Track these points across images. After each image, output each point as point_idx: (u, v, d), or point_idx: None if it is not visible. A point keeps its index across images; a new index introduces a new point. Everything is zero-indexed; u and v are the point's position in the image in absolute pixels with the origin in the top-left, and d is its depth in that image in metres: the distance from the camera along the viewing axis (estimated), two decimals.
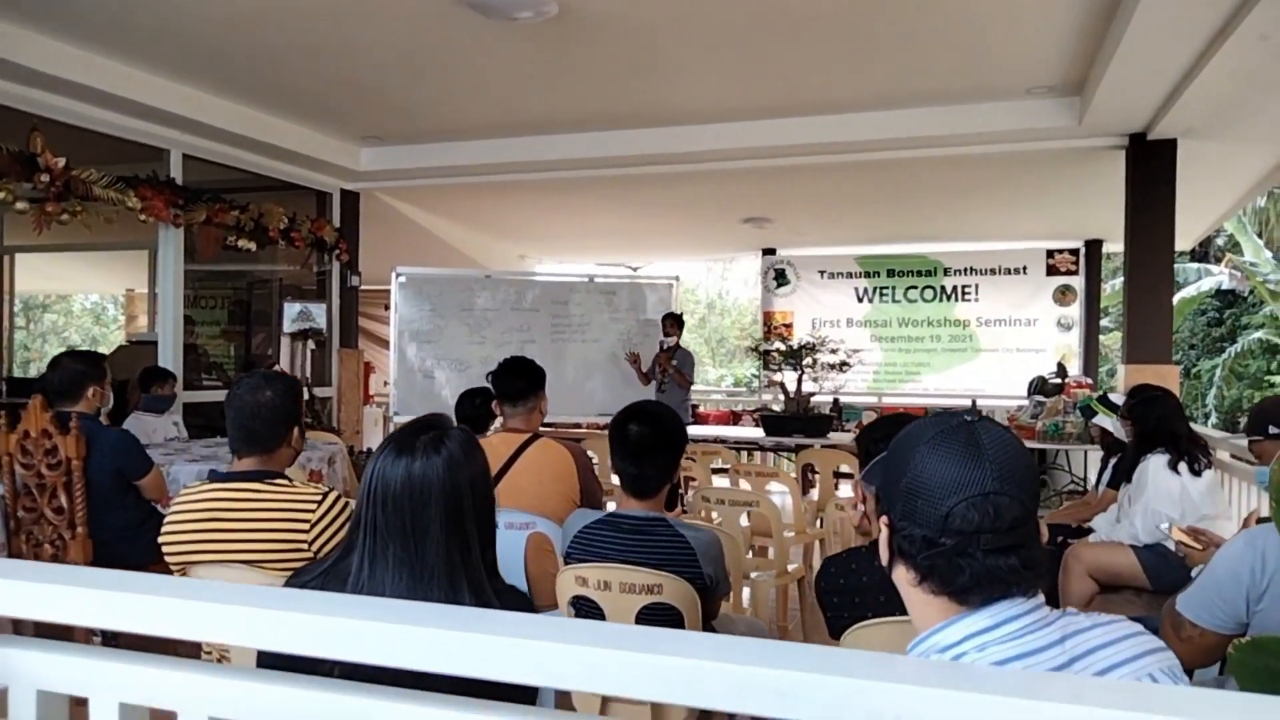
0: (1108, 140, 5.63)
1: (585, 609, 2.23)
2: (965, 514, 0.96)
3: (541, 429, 3.30)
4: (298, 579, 1.41)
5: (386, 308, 8.45)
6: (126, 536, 3.41)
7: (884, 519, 1.07)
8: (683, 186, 7.35)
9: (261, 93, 5.62)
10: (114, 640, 2.47)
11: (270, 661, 1.25)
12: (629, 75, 5.19)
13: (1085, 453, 6.76)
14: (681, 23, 4.36)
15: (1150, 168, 5.48)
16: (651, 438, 2.25)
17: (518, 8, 4.07)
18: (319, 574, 1.36)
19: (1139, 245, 5.55)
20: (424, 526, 1.31)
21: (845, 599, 1.88)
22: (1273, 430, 2.42)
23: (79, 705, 1.10)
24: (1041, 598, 1.01)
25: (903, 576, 1.05)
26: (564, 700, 1.57)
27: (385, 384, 9.69)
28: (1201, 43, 4.04)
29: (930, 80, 5.19)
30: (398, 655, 0.99)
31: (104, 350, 7.87)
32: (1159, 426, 3.46)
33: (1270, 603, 1.76)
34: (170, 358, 5.86)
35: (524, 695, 1.17)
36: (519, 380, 3.12)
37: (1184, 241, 9.24)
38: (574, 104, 5.76)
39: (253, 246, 6.29)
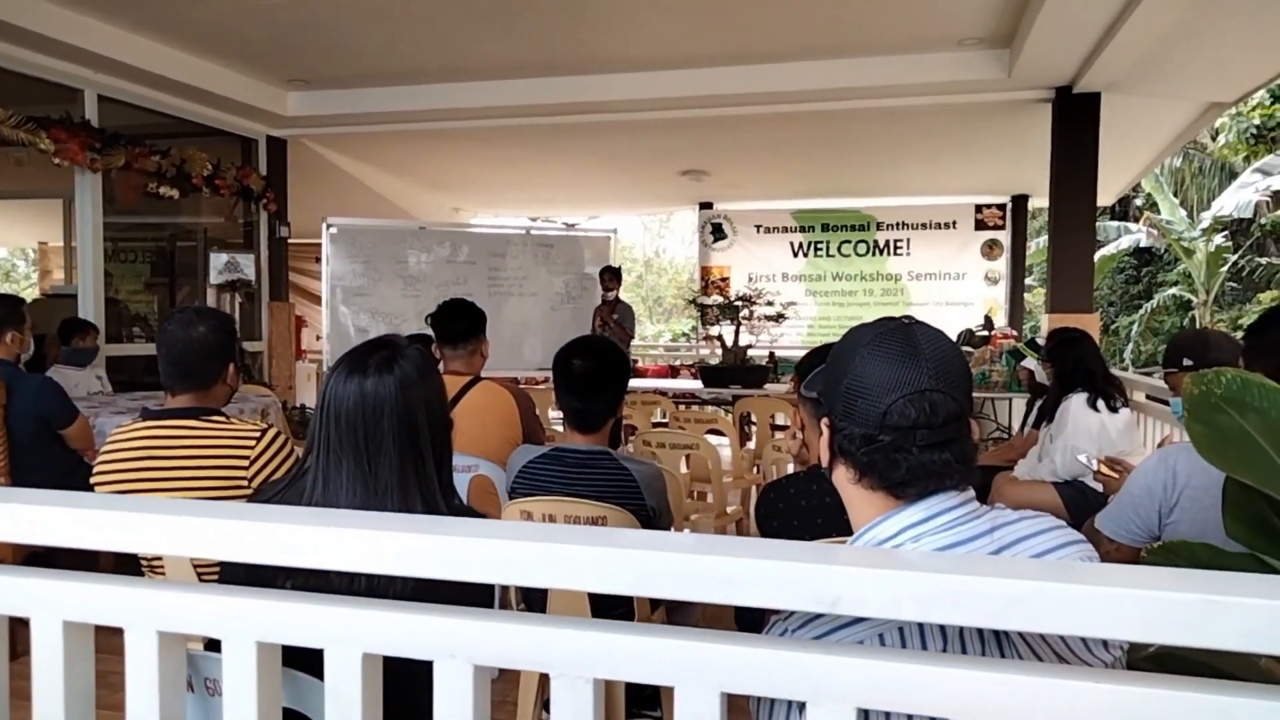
0: (1035, 93, 5.76)
1: None
2: (903, 410, 1.01)
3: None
4: (256, 499, 1.40)
5: (317, 260, 8.25)
6: (52, 487, 3.31)
7: (825, 421, 1.11)
8: (618, 137, 7.30)
9: (183, 31, 5.37)
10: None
11: (227, 580, 1.25)
12: (561, 19, 5.10)
13: (1010, 401, 7.01)
14: None
15: (1075, 120, 5.64)
16: (596, 372, 2.26)
17: None
18: (276, 493, 1.36)
19: (1063, 196, 5.73)
20: (377, 443, 1.32)
21: (784, 522, 1.94)
22: (1186, 362, 2.55)
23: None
24: (971, 491, 1.07)
25: (842, 475, 1.09)
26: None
27: (318, 339, 9.50)
28: None
29: (864, 31, 5.23)
30: (350, 560, 0.99)
31: None
32: (1077, 366, 3.61)
33: (1180, 515, 1.87)
34: (91, 311, 5.61)
35: (479, 601, 1.19)
36: (458, 322, 3.10)
37: (1105, 197, 9.54)
38: (507, 49, 5.65)
39: (175, 194, 6.05)
